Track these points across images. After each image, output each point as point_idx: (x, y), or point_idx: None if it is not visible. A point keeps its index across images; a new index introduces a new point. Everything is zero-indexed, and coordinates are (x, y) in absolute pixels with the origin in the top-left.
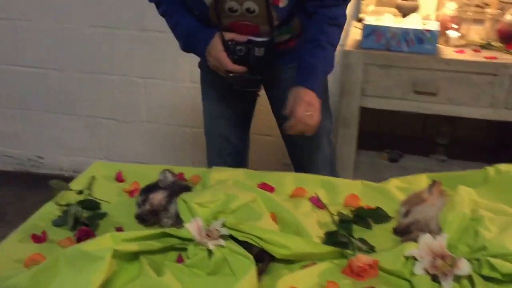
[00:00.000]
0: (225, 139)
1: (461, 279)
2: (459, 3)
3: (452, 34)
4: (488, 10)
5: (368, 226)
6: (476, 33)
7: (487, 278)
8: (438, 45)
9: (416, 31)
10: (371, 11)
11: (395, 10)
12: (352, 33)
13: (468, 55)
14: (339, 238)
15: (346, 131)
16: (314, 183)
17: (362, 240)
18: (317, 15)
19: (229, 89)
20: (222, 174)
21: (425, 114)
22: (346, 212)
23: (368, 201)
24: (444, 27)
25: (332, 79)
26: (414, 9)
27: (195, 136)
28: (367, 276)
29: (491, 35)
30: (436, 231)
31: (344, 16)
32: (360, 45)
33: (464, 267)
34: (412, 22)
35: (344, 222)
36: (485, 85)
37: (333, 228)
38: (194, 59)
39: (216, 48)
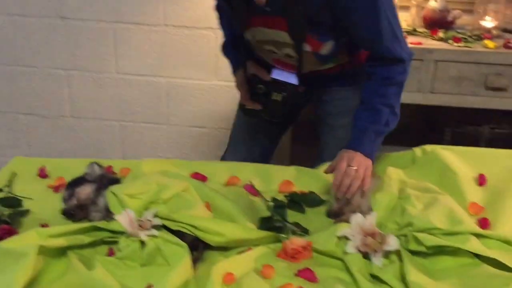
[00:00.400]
0: (248, 149)
1: (390, 255)
2: None
3: None
4: None
5: (302, 210)
6: (403, 19)
7: (414, 252)
8: None
9: None
10: None
11: None
12: None
13: None
14: (274, 223)
15: None
16: (247, 171)
17: (296, 224)
18: (372, 75)
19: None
20: (154, 165)
21: None
22: (280, 198)
23: (301, 186)
24: None
25: None
26: None
27: (125, 130)
28: (302, 258)
29: (417, 22)
30: (367, 212)
31: (402, 73)
32: None
33: (393, 243)
34: None
35: (278, 208)
36: (411, 71)
37: (268, 214)
38: (120, 50)
39: (239, 78)
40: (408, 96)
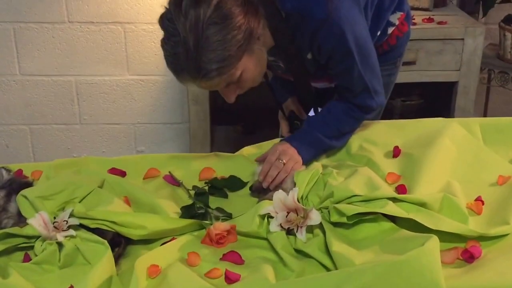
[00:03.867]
0: None
1: (314, 229)
2: None
3: None
4: None
5: (224, 195)
6: None
7: (336, 224)
8: None
9: None
10: None
11: None
12: None
13: None
14: (196, 210)
15: (198, 108)
16: (166, 162)
17: (219, 209)
18: (341, 101)
19: None
20: (68, 165)
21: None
22: (201, 185)
23: (222, 172)
24: None
25: None
26: None
27: (35, 134)
28: (227, 242)
29: None
30: (290, 188)
31: (367, 114)
32: None
33: (315, 217)
34: None
35: (199, 195)
36: None
37: (190, 202)
38: (22, 51)
39: (281, 114)
40: None
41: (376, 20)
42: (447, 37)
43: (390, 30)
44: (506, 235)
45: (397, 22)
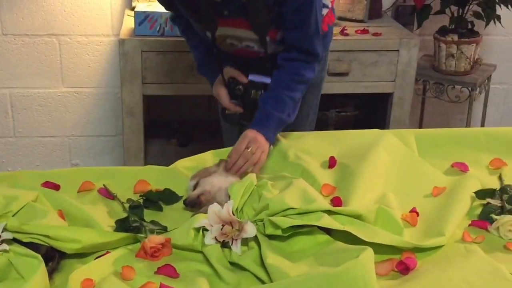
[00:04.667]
0: None
1: (249, 241)
2: None
3: None
4: None
5: (159, 208)
6: None
7: (271, 236)
8: None
9: None
10: None
11: None
12: (127, 22)
13: None
14: (131, 223)
15: (132, 121)
16: (101, 175)
17: (153, 222)
18: (284, 67)
19: None
20: (2, 179)
21: (209, 97)
22: (136, 198)
23: (157, 185)
24: None
25: (111, 69)
26: None
27: None
28: (162, 255)
29: None
30: (225, 201)
31: (311, 71)
32: (135, 33)
33: (250, 230)
34: None
35: (134, 208)
36: None
37: (124, 215)
38: None
39: (217, 84)
40: None
41: None
42: (382, 49)
43: (325, 11)
44: (441, 246)
45: (330, 5)
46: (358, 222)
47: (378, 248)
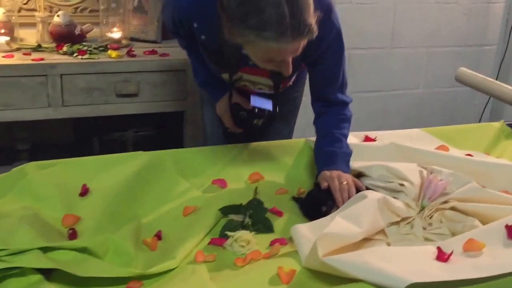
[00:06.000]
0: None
1: None
2: (8, 7)
3: (1, 39)
4: (37, 13)
5: None
6: (32, 36)
7: None
8: None
9: None
10: None
11: None
12: None
13: (17, 59)
14: None
15: None
16: None
17: None
18: (326, 113)
19: None
20: None
21: (8, 123)
22: None
23: None
24: None
25: None
26: None
27: None
28: None
29: (46, 37)
30: None
31: (350, 111)
32: None
33: None
34: None
35: None
36: (38, 87)
37: None
38: None
39: (222, 106)
40: (40, 113)
41: None
42: (169, 69)
43: None
44: (172, 269)
45: None
46: (79, 258)
47: (103, 280)
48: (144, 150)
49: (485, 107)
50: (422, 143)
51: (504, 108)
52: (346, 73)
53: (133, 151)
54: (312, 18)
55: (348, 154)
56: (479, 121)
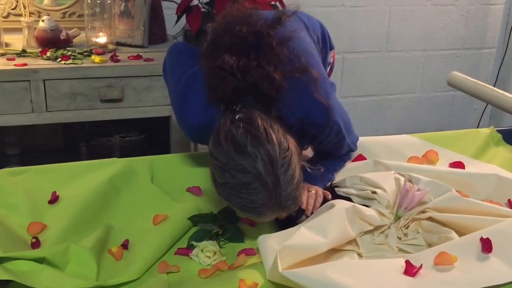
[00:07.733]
0: None
1: None
2: None
3: None
4: (23, 19)
5: None
6: (19, 41)
7: None
8: None
9: None
10: None
11: None
12: None
13: (0, 65)
14: None
15: None
16: None
17: None
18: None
19: None
20: None
21: None
22: None
23: None
24: None
25: None
26: None
27: None
28: None
29: (32, 42)
30: None
31: (349, 156)
32: None
33: None
34: None
35: None
36: (21, 92)
37: None
38: None
39: None
40: (24, 118)
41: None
42: (153, 74)
43: (327, 69)
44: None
45: (331, 60)
46: (37, 268)
47: None
48: (131, 155)
49: (483, 111)
50: (411, 150)
51: (503, 113)
52: (348, 139)
53: (119, 156)
54: (295, 191)
55: (329, 178)
56: (477, 126)
